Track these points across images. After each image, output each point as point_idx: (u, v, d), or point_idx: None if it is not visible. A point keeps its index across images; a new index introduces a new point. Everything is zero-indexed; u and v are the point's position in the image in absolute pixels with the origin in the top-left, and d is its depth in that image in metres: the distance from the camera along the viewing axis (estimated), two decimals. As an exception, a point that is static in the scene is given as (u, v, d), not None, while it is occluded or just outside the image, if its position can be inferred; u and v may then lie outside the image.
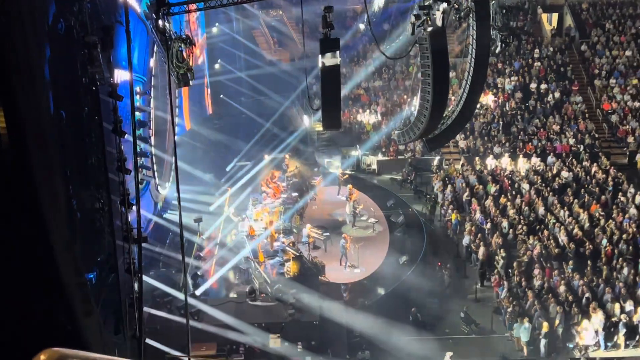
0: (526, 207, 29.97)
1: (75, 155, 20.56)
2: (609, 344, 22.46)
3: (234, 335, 22.47)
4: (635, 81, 39.97)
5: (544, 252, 26.38)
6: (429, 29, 18.59)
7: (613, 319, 22.61)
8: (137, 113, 25.30)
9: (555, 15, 46.73)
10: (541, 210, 29.55)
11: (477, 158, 36.08)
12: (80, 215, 21.53)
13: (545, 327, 22.51)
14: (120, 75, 18.64)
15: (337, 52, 17.88)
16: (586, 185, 31.98)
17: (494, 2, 19.77)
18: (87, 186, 21.06)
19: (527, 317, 22.92)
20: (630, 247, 26.12)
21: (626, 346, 22.38)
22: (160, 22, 16.26)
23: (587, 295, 23.65)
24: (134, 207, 16.93)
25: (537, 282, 24.89)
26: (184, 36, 17.26)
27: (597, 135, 37.28)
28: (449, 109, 21.76)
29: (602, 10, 45.00)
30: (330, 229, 30.46)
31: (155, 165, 29.55)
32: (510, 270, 26.02)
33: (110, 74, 17.82)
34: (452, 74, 35.91)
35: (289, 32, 49.18)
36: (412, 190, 35.61)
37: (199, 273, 27.13)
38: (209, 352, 21.90)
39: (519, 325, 22.76)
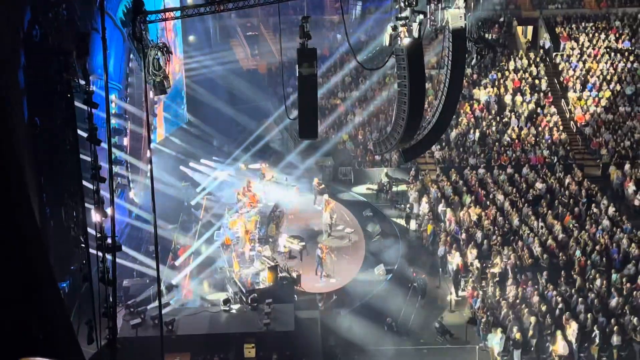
0: (500, 218, 30.17)
1: (49, 163, 20.39)
2: (583, 355, 22.63)
3: (208, 345, 22.35)
4: (608, 94, 40.50)
5: (517, 262, 26.57)
6: (406, 40, 18.70)
7: (586, 330, 22.80)
8: (112, 121, 25.15)
9: (530, 28, 47.26)
10: (515, 221, 29.75)
11: (452, 169, 36.28)
12: (54, 223, 21.34)
13: (518, 337, 22.64)
14: (96, 83, 18.53)
15: (314, 62, 17.95)
16: (560, 197, 32.27)
17: (469, 14, 19.93)
18: (61, 194, 20.88)
19: (501, 328, 23.03)
20: (604, 259, 26.38)
21: (599, 357, 22.56)
22: (136, 29, 16.19)
23: (560, 305, 23.83)
24: (109, 216, 16.80)
25: (511, 293, 25.02)
26: (161, 44, 17.20)
27: (570, 147, 37.66)
28: (425, 120, 21.86)
29: (576, 24, 45.56)
30: (306, 238, 30.41)
31: (130, 174, 29.37)
32: (484, 281, 26.15)
33: (86, 81, 17.70)
34: (428, 85, 36.12)
35: (266, 42, 49.20)
36: (388, 201, 35.68)
37: (173, 282, 26.96)
38: (183, 362, 21.78)
39: (492, 336, 22.87)
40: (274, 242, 30.02)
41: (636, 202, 32.17)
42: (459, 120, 39.52)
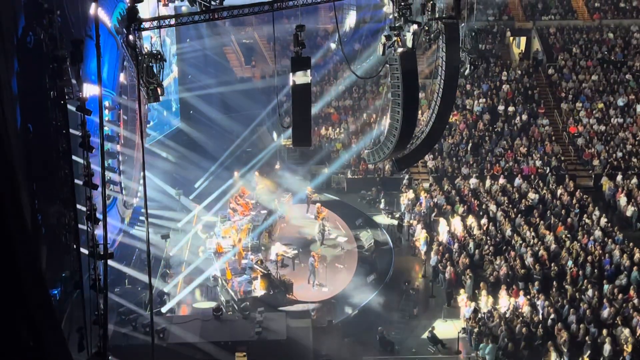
0: (493, 228, 30.21)
1: (42, 170, 20.33)
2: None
3: (199, 354, 22.25)
4: (601, 105, 40.67)
5: (509, 272, 26.60)
6: (400, 49, 18.79)
7: (578, 340, 22.81)
8: (105, 128, 25.11)
9: (523, 39, 47.44)
10: (508, 231, 29.79)
11: (444, 178, 36.34)
12: (46, 230, 21.27)
13: (510, 347, 22.64)
14: (89, 90, 18.48)
15: (308, 71, 18.01)
16: (552, 207, 32.33)
17: (463, 25, 20.02)
18: (54, 201, 20.82)
19: (493, 338, 23.02)
20: (595, 269, 26.43)
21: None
22: (130, 37, 16.17)
23: (552, 316, 23.84)
24: (101, 223, 16.73)
25: (503, 303, 25.03)
26: (155, 52, 17.18)
27: (563, 158, 37.78)
28: (418, 130, 21.91)
29: (569, 35, 45.77)
30: (299, 247, 30.42)
31: (122, 181, 29.29)
32: (477, 291, 26.16)
33: (79, 88, 17.67)
34: (421, 95, 36.20)
35: (261, 50, 49.24)
36: (380, 210, 35.69)
37: (165, 290, 26.88)
38: (174, 370, 21.68)
39: (484, 346, 22.86)
40: (267, 251, 30.00)
41: (628, 213, 32.28)
42: (452, 130, 39.61)
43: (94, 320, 16.47)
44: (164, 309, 25.68)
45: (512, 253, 28.01)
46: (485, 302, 25.29)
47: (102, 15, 24.66)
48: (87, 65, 20.23)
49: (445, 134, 37.38)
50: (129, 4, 16.17)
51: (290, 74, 18.11)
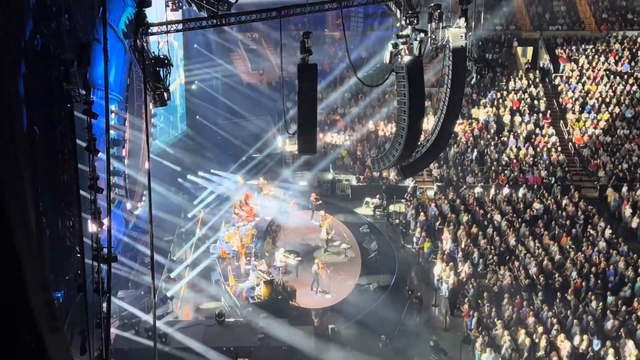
0: (497, 238, 30.15)
1: (47, 172, 20.39)
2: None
3: (202, 359, 22.24)
4: (606, 116, 40.61)
5: (513, 282, 26.52)
6: (406, 58, 18.79)
7: (581, 352, 22.71)
8: (111, 132, 25.16)
9: (530, 49, 47.44)
10: (512, 241, 29.72)
11: (449, 187, 36.30)
12: (50, 232, 21.31)
13: (514, 357, 22.55)
14: (96, 93, 18.57)
15: (315, 78, 18.03)
16: (557, 218, 32.26)
17: (470, 34, 20.04)
18: (58, 204, 20.86)
19: (496, 348, 22.94)
20: (599, 281, 26.34)
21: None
22: (138, 41, 16.23)
23: (555, 327, 23.75)
24: (105, 226, 16.77)
25: (506, 313, 24.96)
26: (162, 56, 17.23)
27: (568, 169, 37.72)
28: (424, 138, 21.92)
29: (576, 46, 45.77)
30: (302, 253, 30.40)
31: (127, 185, 29.35)
32: (480, 301, 26.08)
33: (86, 91, 17.74)
34: (427, 103, 36.23)
35: (267, 56, 49.37)
36: (385, 217, 35.66)
37: (168, 295, 26.87)
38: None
39: (487, 356, 22.76)
40: (270, 257, 29.96)
41: (633, 225, 32.17)
42: (458, 138, 39.59)
43: (97, 323, 16.50)
44: (167, 314, 25.62)
45: (516, 263, 27.92)
46: (488, 311, 25.21)
47: (110, 19, 24.73)
48: (94, 68, 20.30)
49: (450, 143, 37.30)
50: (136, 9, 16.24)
51: (297, 80, 18.17)
